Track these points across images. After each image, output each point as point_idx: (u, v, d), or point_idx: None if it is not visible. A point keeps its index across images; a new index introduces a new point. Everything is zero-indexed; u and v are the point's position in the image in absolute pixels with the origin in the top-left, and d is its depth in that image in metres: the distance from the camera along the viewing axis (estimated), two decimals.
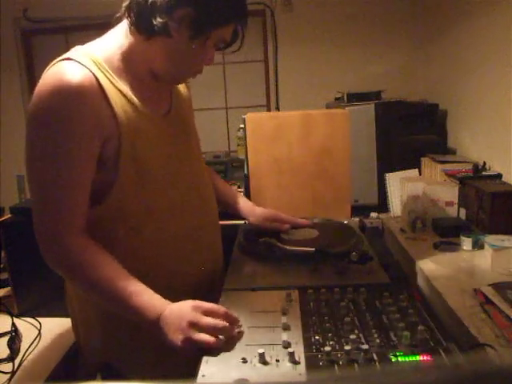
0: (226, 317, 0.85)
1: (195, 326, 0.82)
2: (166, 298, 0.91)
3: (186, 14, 0.91)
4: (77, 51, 0.96)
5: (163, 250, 1.04)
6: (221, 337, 0.81)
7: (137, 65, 1.00)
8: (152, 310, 0.88)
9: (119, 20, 0.99)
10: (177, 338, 0.83)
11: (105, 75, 0.94)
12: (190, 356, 0.81)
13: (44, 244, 0.93)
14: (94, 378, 1.07)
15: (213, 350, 0.80)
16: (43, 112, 0.89)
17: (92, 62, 0.94)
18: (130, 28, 0.96)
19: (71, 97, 0.88)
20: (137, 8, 0.92)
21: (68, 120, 0.89)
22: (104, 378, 1.07)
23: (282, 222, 1.34)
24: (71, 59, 0.92)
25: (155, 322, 0.87)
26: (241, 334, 0.84)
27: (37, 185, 0.93)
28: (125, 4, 0.95)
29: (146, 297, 0.90)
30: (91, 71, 0.92)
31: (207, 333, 0.81)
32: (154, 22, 0.91)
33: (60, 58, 0.94)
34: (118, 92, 0.96)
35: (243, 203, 1.37)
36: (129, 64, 0.99)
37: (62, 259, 0.93)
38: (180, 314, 0.85)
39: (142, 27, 0.94)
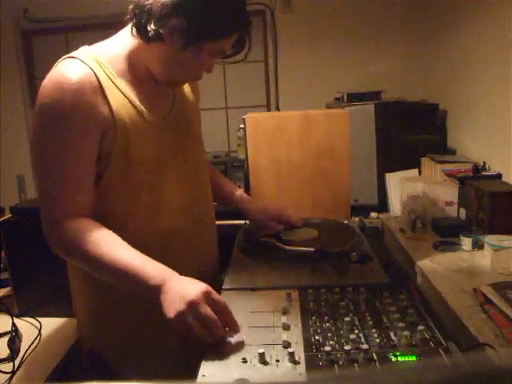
0: (226, 317, 0.85)
1: (193, 309, 0.82)
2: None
3: (179, 24, 0.94)
4: (82, 51, 1.00)
5: (149, 248, 1.00)
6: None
7: (139, 66, 1.03)
8: (156, 276, 0.89)
9: (128, 21, 1.02)
10: (172, 310, 0.84)
11: (106, 74, 0.98)
12: (178, 329, 0.83)
13: (49, 228, 0.98)
14: (91, 379, 1.07)
15: (200, 339, 0.82)
16: (46, 106, 0.95)
17: (95, 61, 0.98)
18: (132, 30, 0.99)
19: (70, 93, 0.93)
20: (137, 12, 0.96)
21: (67, 115, 0.94)
22: (92, 366, 1.08)
23: (284, 221, 1.34)
24: (74, 57, 0.97)
25: (157, 288, 0.88)
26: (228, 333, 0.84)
27: (40, 176, 1.00)
28: (130, 6, 0.98)
29: (152, 263, 0.92)
30: (92, 69, 0.96)
31: (200, 323, 0.82)
32: (149, 28, 0.95)
33: (65, 56, 0.99)
34: (118, 91, 1.00)
35: (246, 201, 1.36)
36: (132, 65, 1.03)
37: (64, 239, 0.96)
38: (185, 290, 0.86)
39: (140, 31, 0.98)
